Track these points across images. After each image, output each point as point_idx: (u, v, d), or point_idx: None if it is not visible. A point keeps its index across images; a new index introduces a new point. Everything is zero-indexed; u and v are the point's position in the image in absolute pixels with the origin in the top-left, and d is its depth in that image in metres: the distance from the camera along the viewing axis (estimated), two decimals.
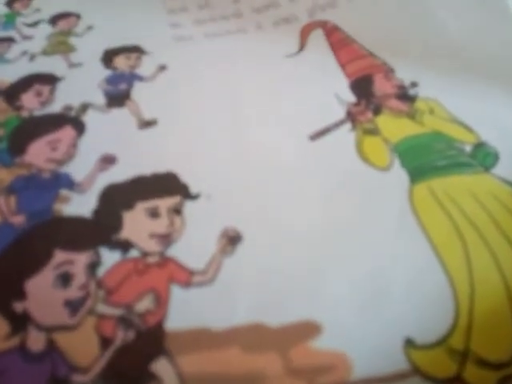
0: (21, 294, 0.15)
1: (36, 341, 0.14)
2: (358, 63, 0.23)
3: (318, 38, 0.24)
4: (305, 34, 0.24)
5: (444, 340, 0.14)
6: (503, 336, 0.14)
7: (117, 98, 0.21)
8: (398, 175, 0.18)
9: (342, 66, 0.23)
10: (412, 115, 0.20)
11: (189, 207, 0.17)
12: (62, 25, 0.25)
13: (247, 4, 0.25)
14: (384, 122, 0.20)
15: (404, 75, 0.22)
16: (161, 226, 0.16)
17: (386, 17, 0.24)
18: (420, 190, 0.17)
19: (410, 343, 0.14)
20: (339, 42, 0.23)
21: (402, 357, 0.13)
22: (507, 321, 0.14)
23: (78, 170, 0.18)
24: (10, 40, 0.24)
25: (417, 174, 0.18)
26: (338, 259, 0.15)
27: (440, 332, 0.14)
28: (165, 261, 0.16)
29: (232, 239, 0.16)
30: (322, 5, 0.24)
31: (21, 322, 0.14)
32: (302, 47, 0.23)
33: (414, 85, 0.22)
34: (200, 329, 0.14)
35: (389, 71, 0.22)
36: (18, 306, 0.14)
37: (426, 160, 0.18)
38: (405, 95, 0.21)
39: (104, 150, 0.19)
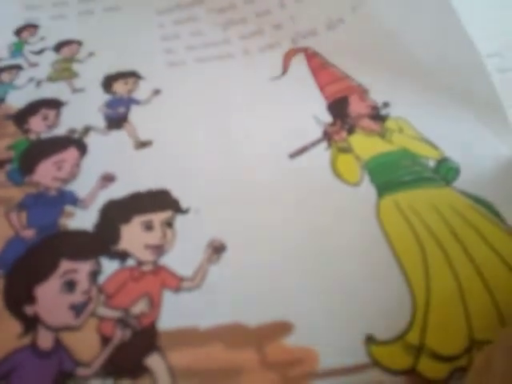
0: (31, 299, 0.17)
1: (45, 339, 0.16)
2: (336, 85, 0.25)
3: (299, 63, 0.26)
4: (287, 59, 0.26)
5: (401, 336, 0.16)
6: (455, 333, 0.16)
7: (116, 120, 0.23)
8: (367, 190, 0.20)
9: (321, 88, 0.25)
10: (382, 134, 0.22)
11: (179, 220, 0.19)
12: (65, 52, 0.27)
13: (235, 32, 0.27)
14: (357, 140, 0.22)
15: (377, 96, 0.24)
16: (154, 237, 0.18)
17: (360, 43, 0.26)
18: (386, 203, 0.20)
19: (370, 339, 0.16)
20: (318, 66, 0.26)
21: (363, 351, 0.15)
22: (459, 319, 0.16)
23: (81, 187, 0.20)
24: (18, 67, 0.26)
25: (384, 188, 0.20)
26: (310, 265, 0.17)
27: (398, 329, 0.16)
28: (158, 269, 0.18)
29: (217, 249, 0.18)
30: (303, 33, 0.27)
31: (32, 323, 0.16)
32: (284, 71, 0.26)
33: (385, 105, 0.24)
34: (188, 328, 0.16)
35: (363, 92, 0.24)
36: (29, 310, 0.17)
37: (392, 175, 0.21)
38: (377, 115, 0.23)
39: (104, 169, 0.21)
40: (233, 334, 0.16)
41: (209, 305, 0.17)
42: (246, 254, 0.18)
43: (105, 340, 0.16)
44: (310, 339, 0.16)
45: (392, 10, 0.26)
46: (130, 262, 0.18)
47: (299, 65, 0.26)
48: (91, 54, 0.27)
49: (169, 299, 0.17)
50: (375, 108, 0.24)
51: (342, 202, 0.19)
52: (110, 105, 0.24)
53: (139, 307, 0.17)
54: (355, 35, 0.26)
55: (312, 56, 0.26)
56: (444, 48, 0.24)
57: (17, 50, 0.27)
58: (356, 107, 0.24)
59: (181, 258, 0.18)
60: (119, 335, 0.16)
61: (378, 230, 0.18)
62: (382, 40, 0.25)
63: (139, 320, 0.16)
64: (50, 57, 0.27)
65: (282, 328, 0.16)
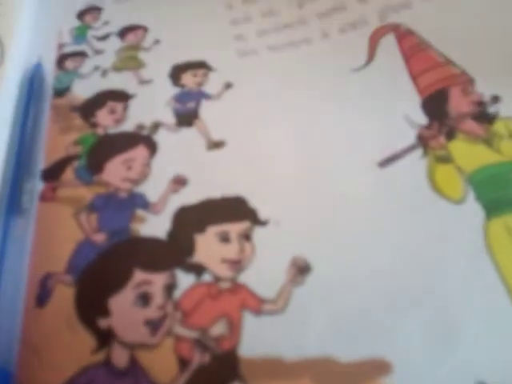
0: (105, 311, 0.16)
1: (120, 357, 0.15)
2: (433, 74, 0.21)
3: (388, 45, 0.22)
4: (374, 41, 0.23)
5: None
6: None
7: (186, 116, 0.21)
8: (473, 209, 0.17)
9: (414, 78, 0.21)
10: (489, 140, 0.19)
11: (257, 233, 0.17)
12: (130, 38, 0.25)
13: (312, 9, 0.24)
14: (458, 147, 0.19)
15: (485, 87, 0.20)
16: (232, 251, 0.17)
17: (468, 18, 0.22)
18: (496, 227, 0.17)
19: None
20: (412, 48, 0.22)
21: None
22: None
23: (151, 190, 0.19)
24: (82, 54, 0.25)
25: (493, 208, 0.17)
26: (412, 297, 0.15)
27: None
28: (237, 287, 0.16)
29: (301, 269, 0.16)
30: (394, 6, 0.23)
31: (106, 338, 0.15)
32: (370, 58, 0.22)
33: (495, 100, 0.20)
34: (272, 357, 0.15)
35: (467, 82, 0.21)
36: (103, 323, 0.16)
37: (503, 193, 0.18)
38: (483, 114, 0.20)
39: (175, 171, 0.19)
40: (321, 370, 0.14)
41: (294, 333, 0.15)
42: (335, 276, 0.16)
43: (182, 362, 0.15)
44: (410, 383, 0.14)
45: None
46: (206, 277, 0.17)
47: (388, 49, 0.22)
48: (157, 42, 0.25)
49: (249, 323, 0.15)
50: (481, 104, 0.20)
51: (442, 222, 0.17)
52: (178, 99, 0.22)
53: (218, 329, 0.15)
54: (458, 9, 0.22)
55: (405, 35, 0.22)
56: None
57: (80, 35, 0.26)
58: (457, 104, 0.20)
59: (260, 277, 0.16)
60: (198, 358, 0.15)
61: (488, 259, 0.16)
62: (492, 18, 0.22)
63: (218, 343, 0.15)
64: (114, 43, 0.25)
65: (378, 367, 0.14)
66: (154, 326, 0.15)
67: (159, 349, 0.15)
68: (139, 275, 0.16)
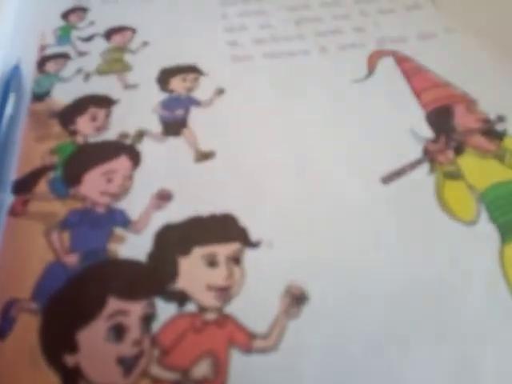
0: (73, 346, 0.14)
1: None
2: (436, 92, 0.20)
3: (387, 64, 0.21)
4: (373, 59, 0.22)
5: None
6: None
7: (173, 125, 0.19)
8: (486, 231, 0.16)
9: (417, 94, 0.20)
10: (501, 156, 0.18)
11: (248, 256, 0.16)
12: (117, 39, 0.24)
13: (310, 28, 0.23)
14: (468, 163, 0.18)
15: (488, 108, 0.19)
16: (219, 277, 0.15)
17: (462, 53, 0.21)
18: None
19: None
20: (412, 69, 0.21)
21: None
22: None
23: (132, 205, 0.17)
24: (65, 56, 0.23)
25: (509, 230, 0.16)
26: (423, 332, 0.13)
27: None
28: (224, 319, 0.14)
29: (297, 299, 0.14)
30: (390, 38, 0.23)
31: (72, 378, 0.13)
32: (370, 72, 0.21)
33: (500, 119, 0.19)
34: None
35: (470, 103, 0.20)
36: (70, 360, 0.14)
37: None
38: (491, 131, 0.19)
39: (159, 185, 0.18)
40: None
41: (288, 375, 0.13)
42: (335, 307, 0.14)
43: None
44: None
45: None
46: (190, 307, 0.15)
47: (388, 67, 0.21)
48: (145, 44, 0.23)
49: (237, 362, 0.13)
50: (487, 122, 0.19)
51: (453, 247, 0.15)
52: (166, 105, 0.20)
53: (201, 370, 0.13)
54: (454, 48, 0.22)
55: (403, 59, 0.22)
56: None
57: (64, 35, 0.24)
58: (463, 120, 0.19)
59: (250, 307, 0.14)
60: None
61: (505, 289, 0.14)
62: (487, 51, 0.21)
63: None
64: (99, 45, 0.23)
65: None
66: (127, 364, 0.13)
67: None
68: (114, 304, 0.15)
